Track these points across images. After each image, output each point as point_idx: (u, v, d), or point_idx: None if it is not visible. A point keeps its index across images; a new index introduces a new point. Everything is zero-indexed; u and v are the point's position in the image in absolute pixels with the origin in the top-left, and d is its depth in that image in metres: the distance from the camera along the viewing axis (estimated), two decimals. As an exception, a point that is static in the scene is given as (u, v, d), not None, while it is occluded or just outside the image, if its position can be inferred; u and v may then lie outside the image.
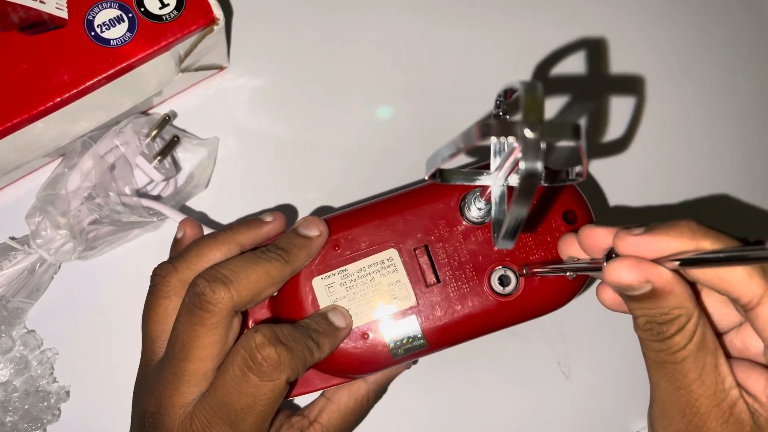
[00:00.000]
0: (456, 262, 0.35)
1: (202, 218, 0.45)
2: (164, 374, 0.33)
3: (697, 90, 0.51)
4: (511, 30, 0.51)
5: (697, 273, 0.27)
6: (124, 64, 0.39)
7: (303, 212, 0.46)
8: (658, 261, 0.26)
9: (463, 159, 0.47)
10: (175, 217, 0.41)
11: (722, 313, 0.29)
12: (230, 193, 0.46)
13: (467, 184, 0.32)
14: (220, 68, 0.47)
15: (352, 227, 0.36)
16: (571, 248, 0.32)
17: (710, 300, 0.29)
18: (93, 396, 0.44)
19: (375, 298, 0.35)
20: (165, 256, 0.37)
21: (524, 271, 0.34)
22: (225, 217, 0.46)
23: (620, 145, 0.49)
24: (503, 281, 0.35)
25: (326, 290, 0.35)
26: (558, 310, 0.36)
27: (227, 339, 0.33)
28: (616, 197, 0.48)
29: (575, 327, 0.46)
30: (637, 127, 0.49)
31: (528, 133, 0.22)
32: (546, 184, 0.31)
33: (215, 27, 0.41)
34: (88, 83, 0.39)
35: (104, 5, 0.39)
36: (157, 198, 0.44)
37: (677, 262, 0.25)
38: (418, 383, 0.44)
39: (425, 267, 0.35)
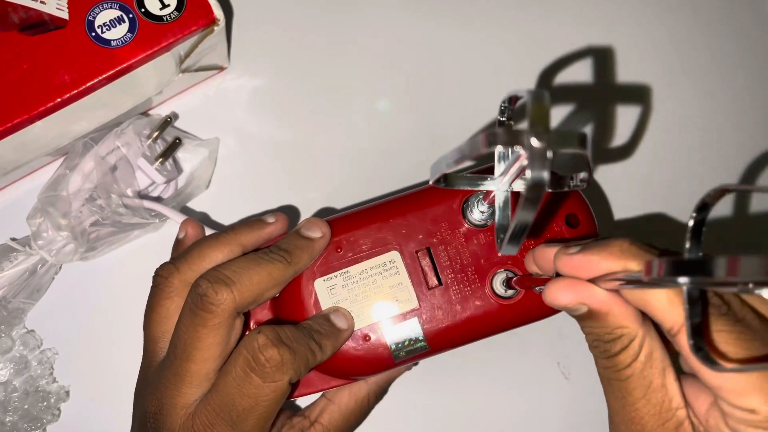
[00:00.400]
0: (458, 265, 0.35)
1: (203, 219, 0.45)
2: (166, 375, 0.33)
3: (703, 98, 0.51)
4: (516, 33, 0.51)
5: (625, 294, 0.26)
6: (124, 65, 0.39)
7: (304, 213, 0.46)
8: (595, 281, 0.26)
9: (467, 161, 0.47)
10: (176, 219, 0.41)
11: None
12: (231, 193, 0.46)
13: (471, 189, 0.32)
14: (221, 69, 0.47)
15: (355, 229, 0.36)
16: (531, 266, 0.32)
17: None
18: (93, 396, 0.44)
19: (377, 300, 0.35)
20: (165, 257, 0.37)
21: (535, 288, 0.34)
22: (226, 218, 0.46)
23: (624, 152, 0.49)
24: (505, 284, 0.35)
25: (328, 292, 0.35)
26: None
27: (229, 340, 0.33)
28: (618, 201, 0.48)
29: (575, 327, 0.46)
30: (642, 134, 0.49)
31: (534, 143, 0.22)
32: (550, 190, 0.31)
33: (216, 28, 0.41)
34: (89, 84, 0.39)
35: (105, 6, 0.39)
36: (158, 199, 0.44)
37: (617, 282, 0.25)
38: (419, 383, 0.44)
39: (427, 269, 0.35)
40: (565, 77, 0.50)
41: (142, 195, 0.43)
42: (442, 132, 0.48)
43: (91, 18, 0.39)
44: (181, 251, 0.36)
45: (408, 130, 0.48)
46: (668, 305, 0.25)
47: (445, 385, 0.45)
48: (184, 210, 0.45)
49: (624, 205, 0.48)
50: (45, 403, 0.42)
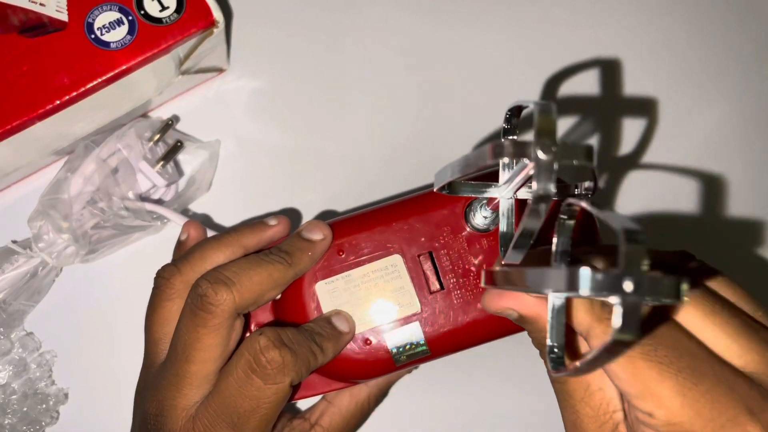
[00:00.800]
0: (460, 269, 0.35)
1: (205, 221, 0.45)
2: (166, 376, 0.33)
3: (709, 111, 0.51)
4: (520, 38, 0.51)
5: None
6: (123, 67, 0.39)
7: (306, 216, 0.46)
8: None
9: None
10: (178, 221, 0.41)
11: None
12: (231, 196, 0.46)
13: (475, 196, 0.32)
14: (220, 71, 0.47)
15: (357, 232, 0.36)
16: None
17: None
18: (92, 398, 0.44)
19: (378, 303, 0.35)
20: (166, 259, 0.37)
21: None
22: (227, 220, 0.46)
23: (630, 161, 0.49)
24: None
25: (330, 295, 0.35)
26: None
27: (229, 341, 0.33)
28: (621, 205, 0.48)
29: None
30: (647, 144, 0.49)
31: (541, 155, 0.22)
32: (555, 198, 0.31)
33: (215, 30, 0.41)
34: (88, 86, 0.39)
35: (104, 8, 0.39)
36: (160, 202, 0.44)
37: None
38: (419, 385, 0.44)
39: (429, 273, 0.35)
40: (568, 82, 0.50)
41: (144, 198, 0.43)
42: (444, 135, 0.48)
43: (90, 20, 0.39)
44: (183, 252, 0.36)
45: (410, 132, 0.48)
46: (574, 312, 0.26)
47: (445, 387, 0.45)
48: (186, 212, 0.45)
49: (627, 209, 0.48)
50: (44, 406, 0.42)
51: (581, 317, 0.26)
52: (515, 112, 0.29)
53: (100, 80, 0.39)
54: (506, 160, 0.23)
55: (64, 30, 0.39)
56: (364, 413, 0.40)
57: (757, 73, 0.51)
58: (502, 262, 0.28)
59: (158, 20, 0.40)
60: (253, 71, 0.48)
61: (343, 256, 0.35)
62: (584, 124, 0.49)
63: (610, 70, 0.50)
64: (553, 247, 0.26)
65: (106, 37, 0.39)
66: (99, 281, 0.44)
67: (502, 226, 0.30)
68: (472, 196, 0.32)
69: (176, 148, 0.43)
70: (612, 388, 0.27)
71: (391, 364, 0.35)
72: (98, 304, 0.44)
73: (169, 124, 0.44)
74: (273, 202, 0.46)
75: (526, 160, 0.23)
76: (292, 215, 0.46)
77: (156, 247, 0.44)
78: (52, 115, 0.38)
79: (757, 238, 0.49)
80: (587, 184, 0.29)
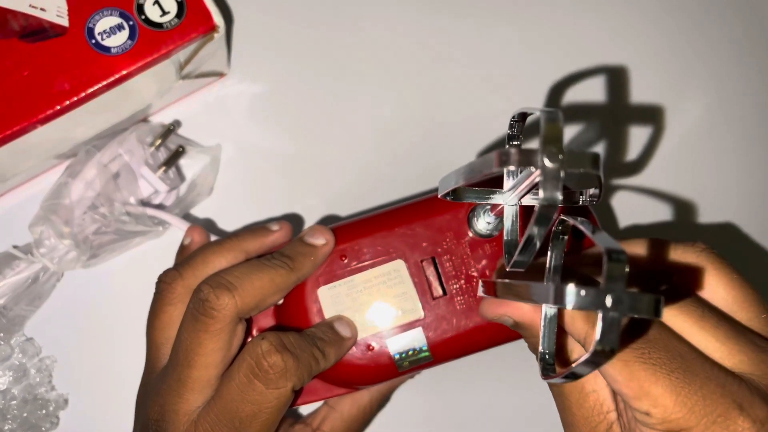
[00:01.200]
0: (463, 275, 0.35)
1: (206, 226, 0.45)
2: (168, 381, 0.33)
3: (717, 119, 0.51)
4: (526, 44, 0.50)
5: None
6: (124, 72, 0.39)
7: (308, 221, 0.46)
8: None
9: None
10: (180, 226, 0.41)
11: None
12: (233, 200, 0.46)
13: (479, 202, 0.32)
14: (221, 75, 0.47)
15: (360, 237, 0.36)
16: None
17: None
18: (92, 404, 0.43)
19: (381, 309, 0.35)
20: (167, 264, 0.37)
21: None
22: (228, 225, 0.46)
23: (634, 167, 0.49)
24: None
25: (332, 300, 0.35)
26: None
27: (231, 346, 0.33)
28: (623, 208, 0.48)
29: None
30: (653, 151, 0.49)
31: (548, 163, 0.22)
32: (560, 205, 0.31)
33: (215, 34, 0.41)
34: (89, 91, 0.38)
35: (105, 13, 0.39)
36: (161, 206, 0.44)
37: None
38: (420, 386, 0.44)
39: (432, 279, 0.35)
40: (573, 89, 0.50)
41: (145, 203, 0.43)
42: (447, 140, 0.48)
43: (91, 25, 0.39)
44: (185, 257, 0.36)
45: (412, 137, 0.48)
46: (573, 320, 0.27)
47: (447, 391, 0.45)
48: (187, 217, 0.45)
49: (629, 213, 0.48)
50: (44, 411, 0.42)
51: (579, 325, 0.27)
52: (520, 118, 0.29)
53: (100, 85, 0.39)
54: (512, 167, 0.23)
55: (64, 35, 0.39)
56: (366, 418, 0.40)
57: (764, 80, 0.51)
58: (507, 269, 0.29)
59: (159, 25, 0.39)
60: (254, 76, 0.48)
61: (345, 261, 0.35)
62: (588, 130, 0.49)
63: (614, 76, 0.50)
64: (547, 262, 0.28)
65: (107, 42, 0.39)
66: (99, 286, 0.44)
67: (507, 233, 0.30)
68: (477, 202, 0.32)
69: (178, 153, 0.43)
70: (605, 389, 0.28)
71: (393, 370, 0.35)
72: (99, 308, 0.44)
73: (170, 129, 0.44)
74: (274, 207, 0.46)
75: (532, 168, 0.23)
76: (293, 220, 0.46)
77: (157, 251, 0.44)
78: (53, 120, 0.38)
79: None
80: (592, 191, 0.29)
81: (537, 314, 0.29)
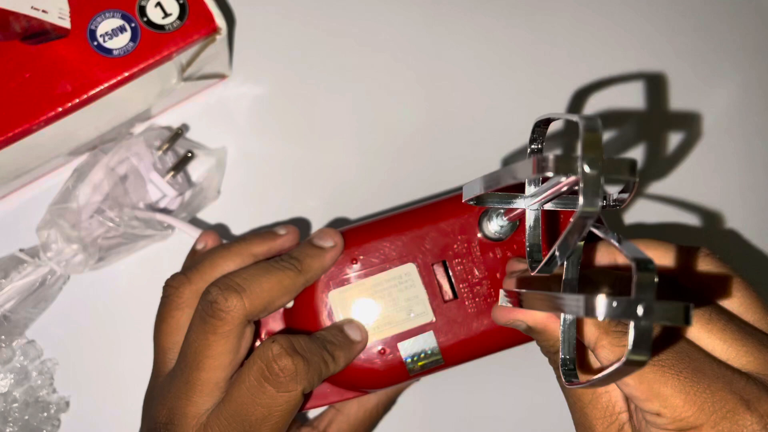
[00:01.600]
0: (474, 278, 0.35)
1: (212, 229, 0.45)
2: (176, 384, 0.33)
3: (751, 133, 0.51)
4: (533, 43, 0.50)
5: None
6: (126, 74, 0.39)
7: (314, 224, 0.46)
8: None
9: (470, 169, 0.47)
10: (191, 233, 0.41)
11: None
12: (238, 203, 0.46)
13: (502, 206, 0.32)
14: (223, 77, 0.47)
15: (370, 241, 0.36)
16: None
17: None
18: (93, 406, 0.43)
19: (392, 312, 0.35)
20: (172, 267, 0.37)
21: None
22: (233, 228, 0.46)
23: (658, 172, 0.49)
24: None
25: (343, 304, 0.35)
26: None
27: (239, 348, 0.33)
28: (627, 213, 0.48)
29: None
30: (682, 158, 0.49)
31: (587, 170, 0.22)
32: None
33: (217, 36, 0.40)
34: (90, 93, 0.38)
35: (107, 15, 0.39)
36: (166, 210, 0.44)
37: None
38: (426, 388, 0.44)
39: (443, 282, 0.35)
40: (572, 89, 0.50)
41: (153, 207, 0.43)
42: (453, 141, 0.48)
43: (93, 27, 0.39)
44: (193, 261, 0.36)
45: (418, 138, 0.48)
46: (583, 325, 0.28)
47: (453, 392, 0.45)
48: (194, 221, 0.45)
49: (631, 212, 0.48)
50: (45, 414, 0.42)
51: (590, 331, 0.28)
52: (544, 124, 0.28)
53: (102, 87, 0.38)
54: (550, 174, 0.23)
55: (66, 37, 0.39)
56: (372, 421, 0.40)
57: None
58: (532, 274, 0.29)
59: (161, 27, 0.39)
60: (256, 77, 0.48)
61: (356, 264, 0.35)
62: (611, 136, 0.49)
63: (625, 81, 0.50)
64: (563, 270, 0.28)
65: (109, 44, 0.39)
66: (103, 288, 0.44)
67: (529, 238, 0.31)
68: (499, 207, 0.32)
69: (187, 158, 0.43)
70: (617, 391, 0.29)
71: (404, 373, 0.35)
72: (101, 311, 0.44)
73: (178, 134, 0.44)
74: (278, 210, 0.46)
75: (562, 176, 0.23)
76: (300, 224, 0.46)
77: (162, 255, 0.44)
78: (55, 122, 0.38)
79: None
80: (616, 195, 0.29)
81: (551, 319, 0.29)
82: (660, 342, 0.27)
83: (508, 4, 0.51)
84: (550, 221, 0.36)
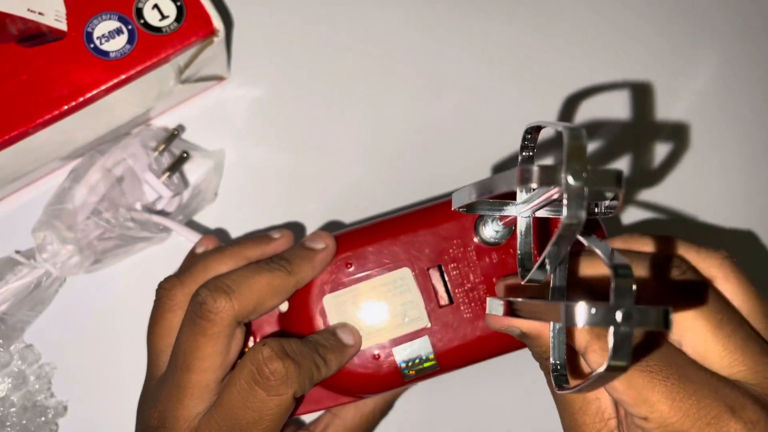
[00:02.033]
0: (469, 283, 0.35)
1: (208, 232, 0.45)
2: (167, 387, 0.33)
3: (739, 139, 0.50)
4: (532, 49, 0.50)
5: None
6: (123, 76, 0.39)
7: (309, 228, 0.46)
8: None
9: (468, 174, 0.47)
10: (187, 236, 0.41)
11: None
12: (234, 205, 0.46)
13: (492, 214, 0.31)
14: (221, 79, 0.47)
15: (365, 245, 0.35)
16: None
17: None
18: (91, 411, 0.43)
19: (387, 317, 0.35)
20: (168, 270, 0.37)
21: None
22: (228, 230, 0.45)
23: (651, 179, 0.49)
24: None
25: (337, 308, 0.35)
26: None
27: (229, 350, 0.33)
28: (630, 211, 0.48)
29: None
30: (671, 167, 0.49)
31: (571, 182, 0.22)
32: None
33: (215, 39, 0.40)
34: (87, 95, 0.38)
35: (104, 17, 0.39)
36: (164, 212, 0.44)
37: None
38: (423, 393, 0.44)
39: (438, 287, 0.35)
40: (586, 104, 0.50)
41: (150, 209, 0.43)
42: (450, 145, 0.48)
43: (89, 29, 0.39)
44: (187, 264, 0.36)
45: (415, 142, 0.48)
46: (574, 331, 0.28)
47: (450, 397, 0.45)
48: (190, 223, 0.45)
49: (633, 210, 0.48)
50: (43, 418, 0.42)
51: (580, 336, 0.28)
52: (534, 131, 0.28)
53: (99, 90, 0.38)
54: (534, 185, 0.23)
55: (63, 39, 0.39)
56: (369, 426, 0.39)
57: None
58: (522, 282, 0.29)
59: (158, 29, 0.39)
60: (254, 80, 0.48)
61: (351, 269, 0.35)
62: (601, 144, 0.49)
63: (628, 92, 0.50)
64: (551, 278, 0.29)
65: (106, 47, 0.39)
66: (101, 291, 0.44)
67: (521, 246, 0.30)
68: (489, 214, 0.32)
69: (182, 159, 0.43)
70: (607, 397, 0.29)
71: (399, 379, 0.35)
72: (99, 314, 0.44)
73: (174, 134, 0.43)
74: (275, 212, 0.46)
75: (551, 187, 0.23)
76: (295, 229, 0.46)
77: (159, 257, 0.44)
78: (51, 124, 0.38)
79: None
80: (608, 202, 0.29)
81: (544, 325, 0.29)
82: (645, 348, 0.27)
83: (507, 8, 0.50)
84: (544, 228, 0.35)
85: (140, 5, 0.39)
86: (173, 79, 0.42)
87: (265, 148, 0.47)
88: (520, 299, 0.28)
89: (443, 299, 0.35)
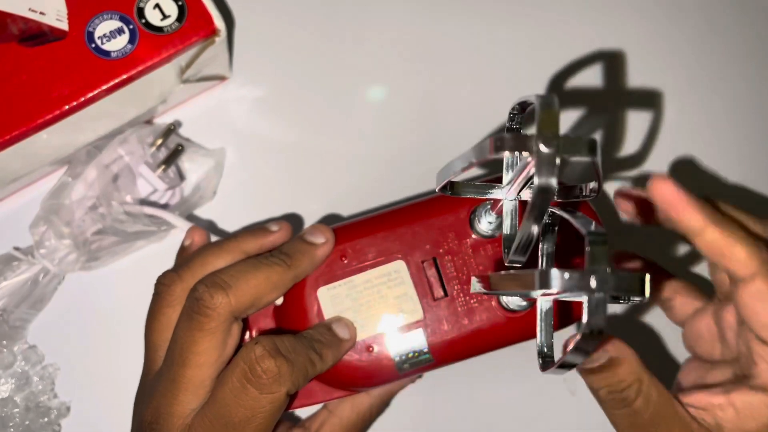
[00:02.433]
0: (464, 276, 0.35)
1: (208, 227, 0.45)
2: (162, 382, 0.33)
3: (717, 102, 0.51)
4: (526, 37, 0.50)
5: (703, 245, 0.29)
6: (124, 76, 0.39)
7: (308, 222, 0.46)
8: None
9: (475, 170, 0.47)
10: (179, 224, 0.41)
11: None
12: (234, 202, 0.46)
13: (478, 197, 0.31)
14: (222, 79, 0.47)
15: (360, 237, 0.35)
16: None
17: None
18: (94, 411, 0.43)
19: (381, 310, 0.35)
20: (168, 267, 0.37)
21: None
22: (229, 226, 0.45)
23: (635, 160, 0.49)
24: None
25: (331, 301, 0.35)
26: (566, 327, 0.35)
27: (226, 345, 0.32)
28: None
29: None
30: (653, 142, 0.49)
31: (543, 148, 0.22)
32: (559, 200, 0.30)
33: (216, 38, 0.40)
34: (88, 95, 0.38)
35: (105, 17, 0.39)
36: (163, 207, 0.44)
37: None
38: (420, 397, 0.44)
39: (433, 280, 0.35)
40: (575, 81, 0.50)
41: (146, 203, 0.43)
42: (449, 138, 0.48)
43: (90, 29, 0.39)
44: (184, 258, 0.36)
45: (414, 137, 0.48)
46: (746, 258, 0.28)
47: (448, 400, 0.45)
48: (189, 219, 0.45)
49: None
50: (46, 419, 0.42)
51: (745, 259, 0.28)
52: (519, 109, 0.28)
53: (100, 90, 0.38)
54: (508, 156, 0.23)
55: (64, 39, 0.39)
56: (365, 424, 0.39)
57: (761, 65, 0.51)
58: (505, 264, 0.29)
59: (159, 29, 0.39)
60: (255, 79, 0.48)
61: (345, 261, 0.35)
62: (589, 119, 0.49)
63: (612, 63, 0.50)
64: (539, 253, 0.28)
65: (107, 47, 0.39)
66: (101, 290, 0.44)
67: (505, 228, 0.30)
68: (475, 197, 0.32)
69: (177, 152, 0.43)
70: (681, 407, 0.30)
71: (393, 372, 0.35)
72: (100, 313, 0.44)
73: (171, 129, 0.43)
74: (275, 209, 0.46)
75: (527, 156, 0.23)
76: (294, 222, 0.46)
77: (158, 254, 0.44)
78: (52, 125, 0.38)
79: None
80: (592, 185, 0.29)
81: (628, 347, 0.30)
82: None
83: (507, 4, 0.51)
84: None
85: (142, 5, 0.39)
86: (174, 79, 0.42)
87: (265, 147, 0.47)
88: (500, 273, 0.28)
89: (438, 292, 0.35)
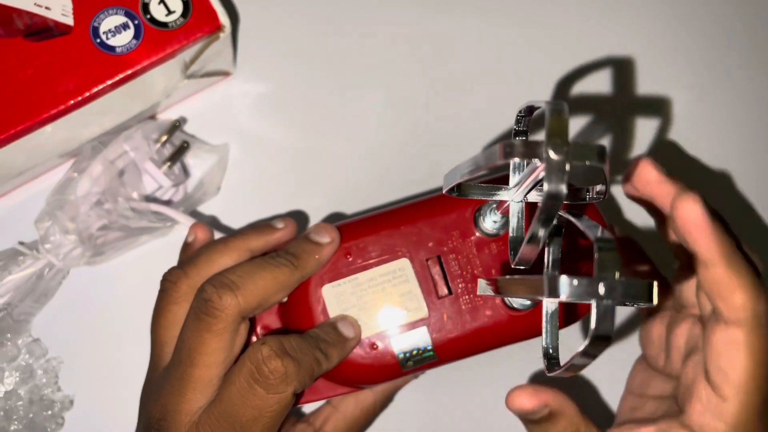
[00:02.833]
0: (469, 275, 0.35)
1: (212, 223, 0.45)
2: (170, 380, 0.33)
3: (727, 110, 0.50)
4: (532, 39, 0.50)
5: (705, 278, 0.29)
6: (129, 72, 0.39)
7: (313, 219, 0.46)
8: None
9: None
10: (184, 221, 0.41)
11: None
12: (239, 198, 0.46)
13: (485, 198, 0.31)
14: (227, 74, 0.47)
15: (365, 235, 0.35)
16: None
17: None
18: (97, 405, 0.43)
19: (385, 307, 0.35)
20: (173, 263, 0.37)
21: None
22: (234, 223, 0.46)
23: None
24: None
25: (336, 298, 0.35)
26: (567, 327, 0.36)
27: (234, 345, 0.32)
28: (630, 207, 0.48)
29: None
30: (659, 148, 0.49)
31: (552, 155, 0.22)
32: (567, 202, 0.30)
33: (221, 34, 0.40)
34: (93, 90, 0.38)
35: (110, 12, 0.39)
36: (167, 203, 0.44)
37: None
38: (423, 393, 0.44)
39: (437, 278, 0.35)
40: (582, 84, 0.49)
41: (151, 199, 0.43)
42: (454, 137, 0.48)
43: (96, 24, 0.39)
44: (190, 255, 0.36)
45: (419, 135, 0.48)
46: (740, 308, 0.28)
47: (450, 396, 0.45)
48: (193, 215, 0.45)
49: (636, 212, 0.48)
50: (49, 412, 0.42)
51: (739, 307, 0.28)
52: (527, 112, 0.28)
53: (105, 85, 0.38)
54: (517, 160, 0.23)
55: (69, 34, 0.39)
56: (369, 419, 0.39)
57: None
58: (512, 266, 0.29)
59: (164, 24, 0.39)
60: (260, 75, 0.48)
61: (350, 259, 0.35)
62: (596, 124, 0.49)
63: (622, 69, 0.50)
64: (545, 257, 0.28)
65: (112, 42, 0.39)
66: (105, 285, 0.44)
67: (512, 230, 0.30)
68: (482, 199, 0.32)
69: (182, 148, 0.43)
70: None
71: (397, 369, 0.35)
72: (105, 308, 0.44)
73: (176, 126, 0.44)
74: (279, 205, 0.46)
75: (536, 161, 0.23)
76: (298, 218, 0.46)
77: (163, 250, 0.44)
78: (57, 119, 0.38)
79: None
80: (599, 187, 0.29)
81: (568, 400, 0.30)
82: None
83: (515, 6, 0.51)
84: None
85: (147, 0, 0.39)
86: (179, 74, 0.42)
87: (269, 143, 0.47)
88: (507, 276, 0.28)
89: (442, 290, 0.35)
